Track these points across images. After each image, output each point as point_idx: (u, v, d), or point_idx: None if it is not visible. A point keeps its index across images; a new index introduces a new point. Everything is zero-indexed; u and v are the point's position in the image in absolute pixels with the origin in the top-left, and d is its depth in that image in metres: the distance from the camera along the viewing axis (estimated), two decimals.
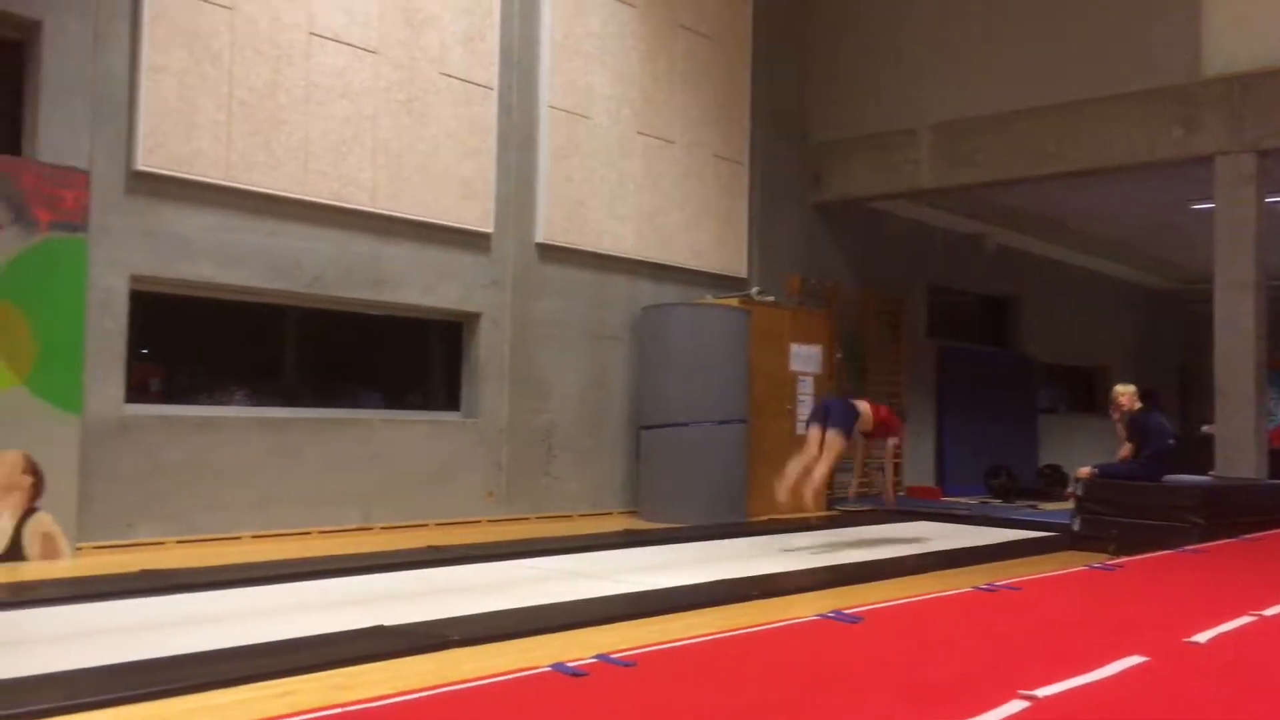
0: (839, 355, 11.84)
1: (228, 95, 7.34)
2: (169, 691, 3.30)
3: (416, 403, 9.06)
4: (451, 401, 9.13)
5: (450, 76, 8.68)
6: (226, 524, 7.23)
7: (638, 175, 10.22)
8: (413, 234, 8.43)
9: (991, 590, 5.46)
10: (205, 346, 7.99)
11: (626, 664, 3.53)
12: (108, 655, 3.77)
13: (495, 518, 8.84)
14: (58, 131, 6.67)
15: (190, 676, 3.45)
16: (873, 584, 5.96)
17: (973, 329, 16.01)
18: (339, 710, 3.04)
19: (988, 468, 13.52)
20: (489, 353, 9.05)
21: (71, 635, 4.22)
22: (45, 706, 3.10)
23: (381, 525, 8.04)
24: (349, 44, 8.03)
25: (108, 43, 6.87)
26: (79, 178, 6.49)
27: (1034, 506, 11.53)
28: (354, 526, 7.88)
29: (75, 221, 6.41)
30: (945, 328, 14.84)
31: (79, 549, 6.33)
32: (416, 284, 8.50)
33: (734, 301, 10.24)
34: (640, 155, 10.26)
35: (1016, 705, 3.25)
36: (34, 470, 6.11)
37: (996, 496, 12.65)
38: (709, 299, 10.32)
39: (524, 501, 9.12)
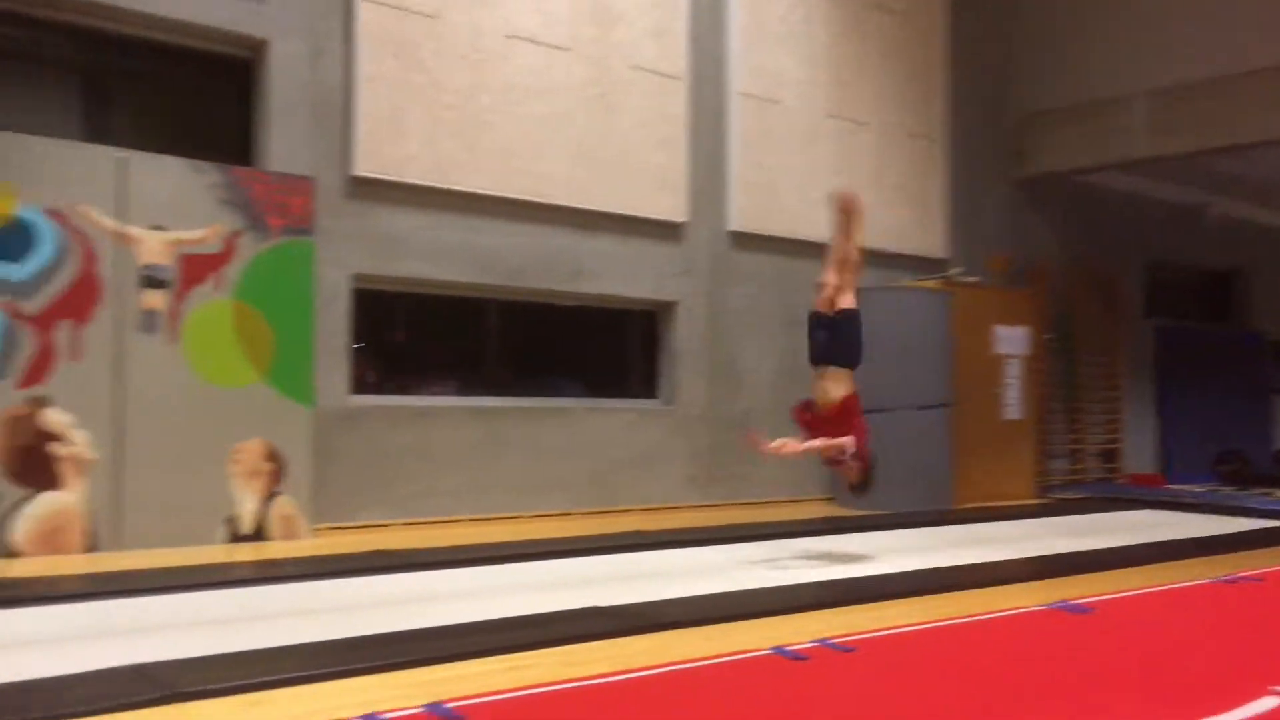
0: (1048, 336, 11.31)
1: (433, 100, 7.68)
2: (409, 663, 3.47)
3: (615, 391, 9.23)
4: (649, 389, 9.26)
5: (641, 69, 8.79)
6: (443, 508, 7.59)
7: (829, 158, 10.06)
8: (608, 226, 8.59)
9: (1231, 582, 5.11)
10: (416, 339, 8.41)
11: (847, 649, 3.50)
12: (349, 629, 4.00)
13: (695, 504, 8.91)
14: (284, 142, 7.16)
15: (428, 649, 3.63)
16: (1097, 574, 5.66)
17: (1194, 306, 14.94)
18: (569, 685, 3.14)
19: (1217, 453, 12.61)
20: (685, 341, 9.13)
21: (314, 610, 4.50)
22: (294, 675, 3.31)
23: (586, 510, 8.24)
24: (543, 44, 8.24)
25: (325, 57, 7.31)
26: (305, 185, 6.93)
27: (1270, 494, 10.68)
28: (560, 511, 8.11)
29: (302, 226, 6.85)
30: (1163, 305, 13.92)
31: (315, 530, 6.78)
32: (613, 274, 8.66)
33: (934, 283, 9.94)
34: (831, 138, 10.09)
35: (1270, 702, 3.04)
36: (275, 458, 6.59)
37: (1228, 484, 11.79)
38: (907, 282, 10.06)
39: (723, 487, 9.16)
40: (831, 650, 3.47)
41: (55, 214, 6.00)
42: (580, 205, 8.41)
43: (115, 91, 7.27)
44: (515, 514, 7.88)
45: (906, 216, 10.64)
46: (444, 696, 3.02)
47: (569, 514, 8.14)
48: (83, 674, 3.27)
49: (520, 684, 3.20)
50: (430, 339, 8.49)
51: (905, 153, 10.68)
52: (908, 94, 10.71)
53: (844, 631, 3.80)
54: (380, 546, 6.21)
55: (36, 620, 4.20)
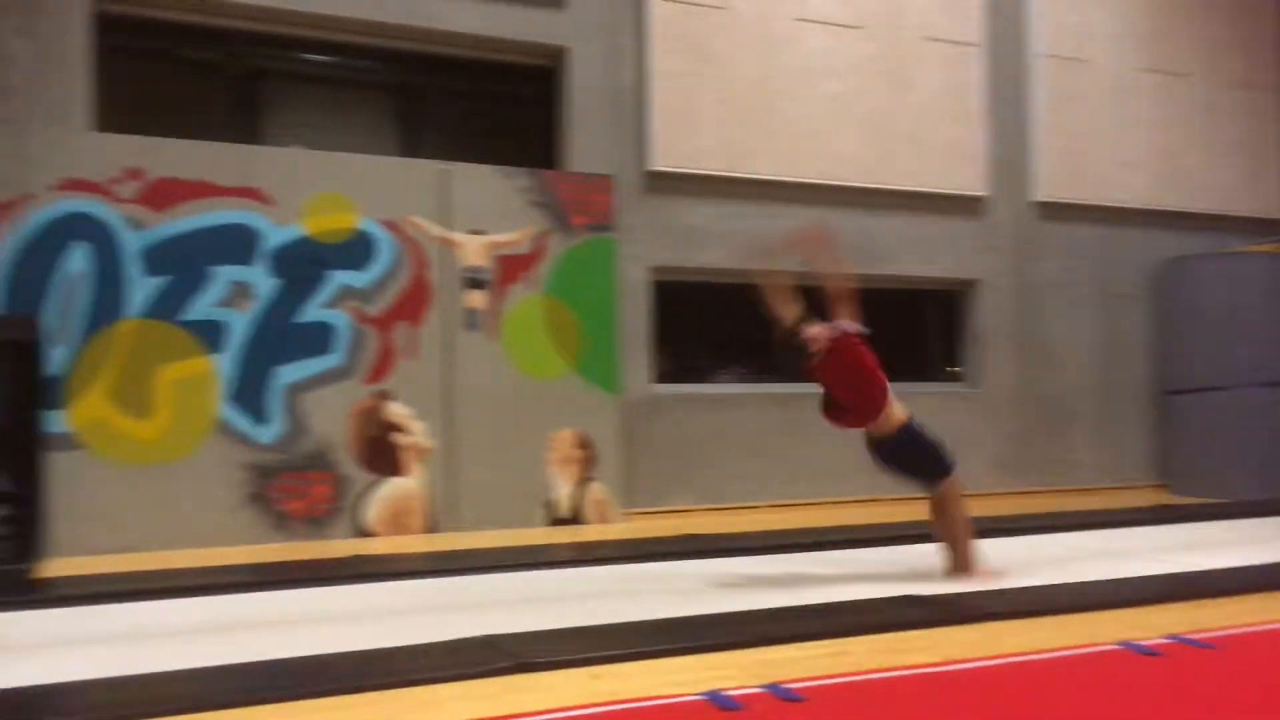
0: None
1: (724, 90, 7.76)
2: (733, 644, 3.52)
3: (913, 374, 8.94)
4: (949, 372, 8.92)
5: (933, 40, 8.46)
6: (746, 493, 7.68)
7: (1146, 116, 9.27)
8: (904, 204, 8.35)
9: None
10: (711, 328, 8.52)
11: (1205, 645, 3.21)
12: (668, 610, 4.10)
13: (1007, 490, 8.49)
14: (584, 143, 7.48)
15: (752, 632, 3.66)
16: None
17: None
18: (899, 673, 3.08)
19: None
20: (991, 320, 8.72)
21: (635, 590, 4.66)
22: (629, 650, 3.43)
23: (890, 497, 8.04)
24: (833, 24, 8.12)
25: (620, 58, 7.57)
26: (604, 183, 7.21)
27: None
28: (862, 498, 7.98)
29: (604, 223, 7.13)
30: None
31: (626, 514, 7.06)
32: (911, 254, 8.41)
33: (1273, 247, 8.93)
34: (1148, 94, 9.29)
35: None
36: (586, 445, 6.92)
37: None
38: (1240, 247, 9.10)
39: (1036, 474, 8.68)
40: (1189, 647, 3.19)
41: (389, 224, 6.59)
42: (874, 185, 8.23)
43: (428, 107, 7.87)
44: (817, 500, 7.85)
45: (1238, 174, 9.63)
46: (770, 678, 3.03)
47: (873, 500, 7.98)
48: (437, 643, 3.56)
49: (844, 670, 3.17)
50: (725, 327, 8.58)
51: (1235, 104, 9.65)
52: (1236, 39, 9.67)
53: (1198, 627, 3.48)
54: (687, 531, 6.36)
55: (390, 594, 4.63)
